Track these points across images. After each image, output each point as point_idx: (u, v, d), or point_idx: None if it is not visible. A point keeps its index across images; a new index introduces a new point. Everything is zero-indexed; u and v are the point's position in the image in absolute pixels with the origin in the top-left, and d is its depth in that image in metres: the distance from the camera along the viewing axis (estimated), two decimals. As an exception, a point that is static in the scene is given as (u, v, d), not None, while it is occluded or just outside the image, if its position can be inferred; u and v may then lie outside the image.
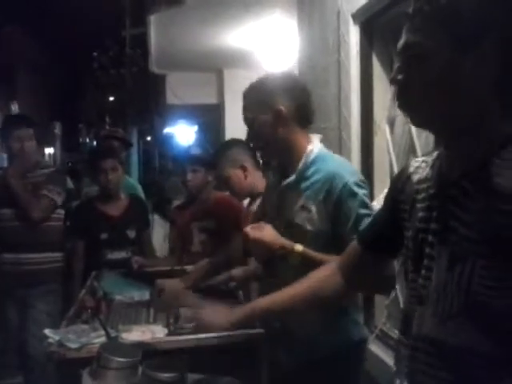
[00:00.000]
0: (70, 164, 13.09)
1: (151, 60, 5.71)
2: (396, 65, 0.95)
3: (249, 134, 1.81)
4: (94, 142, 18.69)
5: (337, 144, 2.62)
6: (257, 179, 2.41)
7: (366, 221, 1.49)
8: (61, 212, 2.99)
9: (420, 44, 0.89)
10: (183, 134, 11.69)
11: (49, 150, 14.39)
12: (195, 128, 11.02)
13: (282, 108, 1.63)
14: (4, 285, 2.94)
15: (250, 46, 4.88)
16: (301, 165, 1.65)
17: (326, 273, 1.31)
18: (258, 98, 1.66)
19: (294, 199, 1.66)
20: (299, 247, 1.59)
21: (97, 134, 17.08)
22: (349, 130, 2.59)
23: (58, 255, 3.00)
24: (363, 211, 1.57)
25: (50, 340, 1.58)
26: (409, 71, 0.91)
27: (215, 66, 5.98)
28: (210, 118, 7.70)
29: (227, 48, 5.05)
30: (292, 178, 1.67)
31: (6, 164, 3.54)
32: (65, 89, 16.82)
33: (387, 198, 1.15)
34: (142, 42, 7.42)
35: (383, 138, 2.55)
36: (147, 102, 12.20)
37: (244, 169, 2.40)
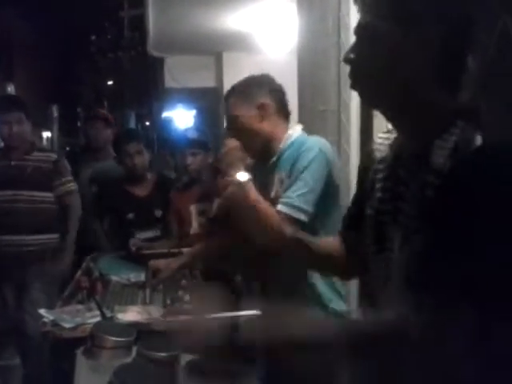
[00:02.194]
0: (68, 149, 13.04)
1: (149, 42, 5.64)
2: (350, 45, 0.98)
3: (233, 134, 1.80)
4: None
5: (336, 127, 2.60)
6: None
7: (304, 191, 1.61)
8: (52, 195, 2.99)
9: (369, 24, 0.93)
10: (182, 118, 11.62)
11: (46, 134, 14.32)
12: (194, 112, 10.95)
13: (265, 101, 1.75)
14: (1, 266, 2.94)
15: (249, 28, 4.83)
16: (281, 148, 1.76)
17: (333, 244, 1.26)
18: (241, 96, 1.78)
19: (273, 178, 1.75)
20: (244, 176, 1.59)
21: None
22: (348, 112, 2.56)
23: (54, 236, 3.00)
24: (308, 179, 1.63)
25: (45, 319, 1.58)
26: (360, 50, 0.95)
27: (214, 49, 5.93)
28: (208, 101, 7.64)
29: (226, 31, 5.00)
30: (272, 160, 1.77)
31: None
32: (62, 72, 16.69)
33: (358, 178, 1.16)
34: (140, 24, 7.35)
35: (383, 122, 2.53)
36: (145, 85, 12.13)
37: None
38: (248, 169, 1.77)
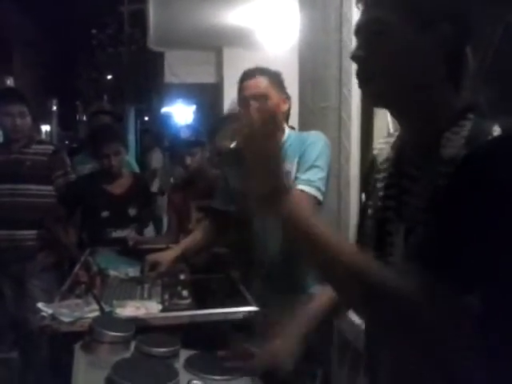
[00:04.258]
0: (67, 143, 13.01)
1: (149, 37, 5.62)
2: (357, 42, 0.96)
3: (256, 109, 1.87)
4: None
5: (336, 123, 2.59)
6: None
7: (318, 173, 1.76)
8: (52, 189, 2.97)
9: (380, 20, 0.91)
10: (181, 113, 11.59)
11: (45, 128, 14.28)
12: (193, 108, 10.92)
13: (288, 97, 1.95)
14: None
15: (250, 24, 4.81)
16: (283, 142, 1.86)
17: None
18: (275, 81, 1.89)
19: None
20: None
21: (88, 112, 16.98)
22: (349, 110, 2.56)
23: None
24: (318, 163, 1.79)
25: (43, 313, 1.57)
26: (369, 47, 0.93)
27: (215, 44, 5.90)
28: (208, 97, 7.63)
29: (227, 26, 4.98)
30: None
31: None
32: (62, 66, 16.65)
33: (364, 187, 1.16)
34: (140, 18, 7.32)
35: (384, 119, 2.53)
36: (145, 80, 12.09)
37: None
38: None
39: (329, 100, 2.72)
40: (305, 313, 1.31)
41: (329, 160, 1.86)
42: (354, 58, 0.95)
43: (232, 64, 5.59)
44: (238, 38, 5.33)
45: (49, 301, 1.71)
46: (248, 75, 1.90)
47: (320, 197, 1.77)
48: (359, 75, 0.96)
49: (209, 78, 6.54)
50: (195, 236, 2.21)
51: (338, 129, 2.54)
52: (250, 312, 1.61)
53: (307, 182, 1.76)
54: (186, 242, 2.19)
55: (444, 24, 0.88)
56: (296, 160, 1.82)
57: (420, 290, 0.77)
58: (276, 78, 1.92)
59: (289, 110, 2.02)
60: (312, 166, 1.79)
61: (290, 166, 1.81)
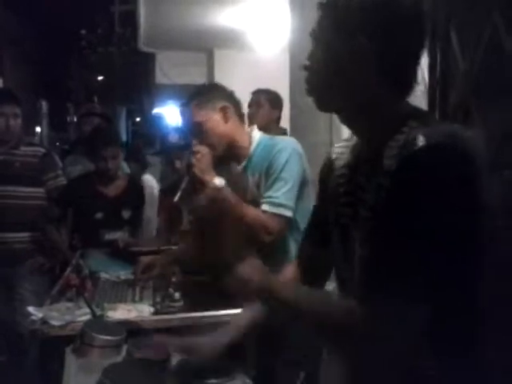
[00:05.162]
0: (58, 144, 12.92)
1: (140, 37, 5.61)
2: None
3: (199, 140, 1.88)
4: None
5: (328, 125, 2.60)
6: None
7: (281, 185, 1.72)
8: (43, 191, 2.95)
9: (320, 30, 0.98)
10: (172, 114, 11.56)
11: (36, 129, 14.19)
12: (184, 109, 10.88)
13: (225, 104, 1.85)
14: None
15: (241, 25, 4.81)
16: (250, 149, 1.86)
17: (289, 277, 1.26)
18: (202, 102, 1.86)
19: (246, 181, 1.83)
20: (221, 182, 1.74)
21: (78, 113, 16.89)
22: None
23: (40, 234, 2.96)
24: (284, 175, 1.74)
25: (34, 317, 1.56)
26: (315, 58, 0.98)
27: (206, 45, 5.90)
28: (199, 98, 7.61)
29: (218, 27, 4.98)
30: (243, 163, 1.86)
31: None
32: (52, 66, 16.55)
33: (318, 189, 1.19)
34: (131, 19, 7.31)
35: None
36: (136, 81, 12.06)
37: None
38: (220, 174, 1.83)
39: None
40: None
41: (297, 168, 1.78)
42: (303, 67, 1.00)
43: (223, 65, 5.59)
44: (229, 40, 5.33)
45: (39, 304, 1.70)
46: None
47: (285, 212, 1.73)
48: (307, 84, 1.00)
49: (200, 80, 6.52)
50: (189, 241, 2.19)
51: (329, 131, 2.55)
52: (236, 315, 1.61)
53: (270, 201, 1.74)
54: (181, 248, 2.18)
55: (362, 38, 0.92)
56: (264, 170, 1.79)
57: (361, 321, 0.84)
58: (202, 99, 1.87)
59: (280, 113, 2.01)
60: (276, 180, 1.75)
61: (258, 176, 1.80)
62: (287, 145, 1.81)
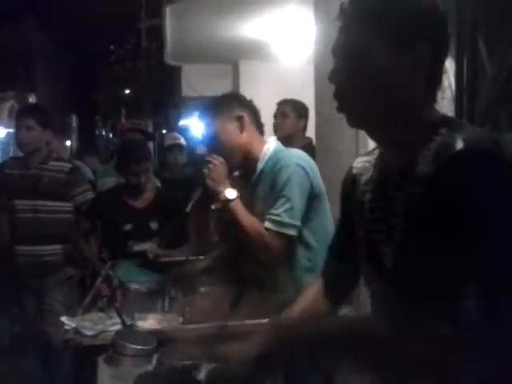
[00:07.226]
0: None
1: (167, 51, 5.70)
2: (334, 63, 0.97)
3: (214, 151, 1.86)
4: (111, 135, 18.80)
5: (354, 135, 2.59)
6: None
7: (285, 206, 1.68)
8: (71, 205, 3.01)
9: (356, 44, 0.92)
10: (198, 127, 11.66)
11: (66, 143, 14.48)
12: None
13: (241, 113, 1.82)
14: (20, 276, 2.98)
15: (266, 37, 4.85)
16: (261, 163, 1.81)
17: (311, 296, 1.26)
18: (218, 111, 1.84)
19: (257, 194, 1.81)
20: (232, 194, 1.72)
21: (114, 127, 17.12)
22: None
23: (69, 246, 3.03)
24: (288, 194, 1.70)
25: (67, 327, 1.60)
26: (346, 70, 0.93)
27: (231, 57, 5.95)
28: (225, 110, 7.67)
29: (243, 39, 5.02)
30: (255, 175, 1.82)
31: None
32: (81, 81, 16.92)
33: (341, 205, 1.16)
34: (157, 33, 7.43)
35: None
36: (163, 94, 12.22)
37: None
38: (233, 185, 1.82)
39: (345, 111, 2.72)
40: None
41: (301, 185, 1.72)
42: (331, 79, 0.95)
43: (249, 77, 5.62)
44: (254, 51, 5.36)
45: (70, 315, 1.74)
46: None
47: (288, 231, 1.70)
48: (337, 100, 0.96)
49: (226, 91, 6.57)
50: (220, 251, 2.19)
51: (355, 140, 2.54)
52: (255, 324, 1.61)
53: (272, 218, 1.71)
54: (212, 257, 2.18)
55: (421, 44, 0.89)
56: (268, 187, 1.77)
57: (395, 329, 0.83)
58: (218, 109, 1.86)
59: (305, 122, 2.00)
60: (279, 197, 1.72)
61: (264, 191, 1.78)
62: (289, 161, 1.75)
